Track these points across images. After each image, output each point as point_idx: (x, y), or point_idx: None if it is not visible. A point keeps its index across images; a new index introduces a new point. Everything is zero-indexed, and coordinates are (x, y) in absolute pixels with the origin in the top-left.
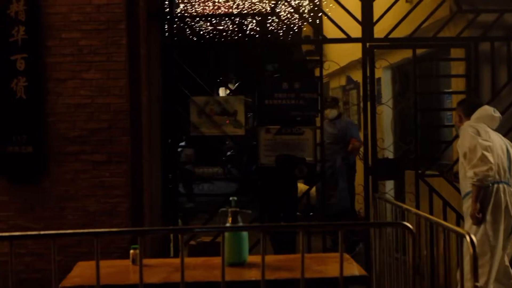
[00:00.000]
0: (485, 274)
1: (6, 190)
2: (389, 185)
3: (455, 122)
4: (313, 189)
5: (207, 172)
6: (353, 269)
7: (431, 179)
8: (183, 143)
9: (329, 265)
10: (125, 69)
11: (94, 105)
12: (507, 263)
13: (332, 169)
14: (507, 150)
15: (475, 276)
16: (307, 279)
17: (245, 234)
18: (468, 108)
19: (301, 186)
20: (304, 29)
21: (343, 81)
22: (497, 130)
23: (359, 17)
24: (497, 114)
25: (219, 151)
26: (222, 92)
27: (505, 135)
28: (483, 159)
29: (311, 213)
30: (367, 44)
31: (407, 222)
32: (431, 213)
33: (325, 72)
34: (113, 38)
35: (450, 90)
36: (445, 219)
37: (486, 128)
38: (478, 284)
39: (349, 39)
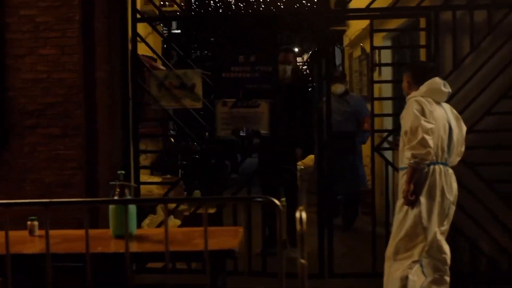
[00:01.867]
0: (416, 255)
1: None
2: None
3: (403, 87)
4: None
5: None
6: (228, 243)
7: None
8: None
9: (215, 238)
10: (78, 45)
11: (50, 80)
12: (438, 237)
13: None
14: (450, 128)
15: (301, 251)
16: (179, 251)
17: (132, 207)
18: (417, 75)
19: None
20: None
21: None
22: (461, 102)
23: None
24: (447, 89)
25: None
26: None
27: (466, 107)
28: (423, 143)
29: None
30: (324, 15)
31: None
32: (386, 187)
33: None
34: (67, 14)
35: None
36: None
37: (432, 105)
38: (303, 261)
39: (305, 11)
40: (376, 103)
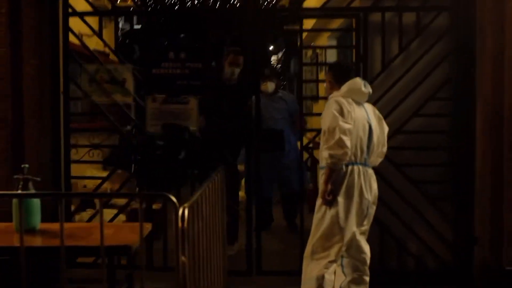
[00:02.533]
0: (333, 255)
1: None
2: None
3: (326, 88)
4: None
5: None
6: (128, 238)
7: None
8: None
9: (117, 234)
10: (5, 37)
11: None
12: (358, 237)
13: (289, 146)
14: (370, 128)
15: (182, 250)
16: (75, 246)
17: (36, 201)
18: (338, 75)
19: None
20: None
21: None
22: (389, 103)
23: None
24: (367, 90)
25: None
26: None
27: (394, 108)
28: (340, 143)
29: None
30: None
31: None
32: (316, 185)
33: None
34: None
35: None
36: None
37: (352, 105)
38: (184, 258)
39: (232, 10)
40: (322, 102)
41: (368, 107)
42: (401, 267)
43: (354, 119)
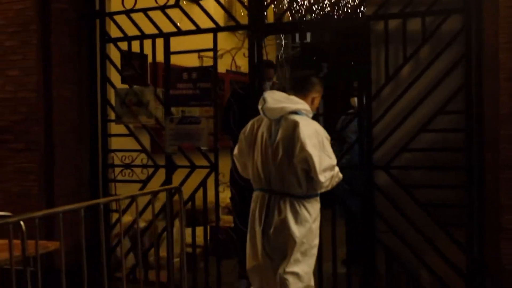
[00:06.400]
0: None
1: None
2: None
3: None
4: None
5: None
6: None
7: None
8: None
9: None
10: (37, 67)
11: (16, 99)
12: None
13: None
14: (275, 150)
15: None
16: None
17: None
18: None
19: None
20: None
21: None
22: (397, 115)
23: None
24: (266, 105)
25: None
26: None
27: (401, 123)
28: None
29: None
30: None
31: None
32: None
33: None
34: (26, 38)
35: None
36: None
37: (256, 124)
38: None
39: (237, 27)
40: None
41: (286, 124)
42: None
43: (249, 142)
